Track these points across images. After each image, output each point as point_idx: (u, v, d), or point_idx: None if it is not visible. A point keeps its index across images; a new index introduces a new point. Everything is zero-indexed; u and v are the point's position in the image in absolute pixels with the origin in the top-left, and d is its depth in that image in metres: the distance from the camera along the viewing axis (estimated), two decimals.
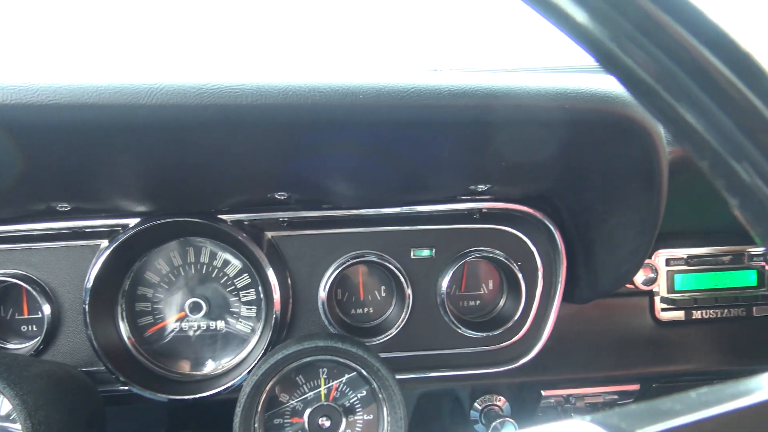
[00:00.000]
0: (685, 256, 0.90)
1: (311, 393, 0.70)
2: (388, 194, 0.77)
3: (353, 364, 0.69)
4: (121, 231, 0.75)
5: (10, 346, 0.81)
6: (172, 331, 0.83)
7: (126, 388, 0.77)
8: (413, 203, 0.80)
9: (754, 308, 0.91)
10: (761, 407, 0.23)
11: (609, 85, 0.59)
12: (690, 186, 0.77)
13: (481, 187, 0.74)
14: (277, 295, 0.77)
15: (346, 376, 0.70)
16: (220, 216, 0.77)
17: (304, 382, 0.70)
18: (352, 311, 0.86)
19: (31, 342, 0.79)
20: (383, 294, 0.86)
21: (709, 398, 0.24)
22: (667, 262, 0.90)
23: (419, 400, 0.93)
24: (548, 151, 0.62)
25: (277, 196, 0.73)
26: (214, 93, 0.51)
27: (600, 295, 0.83)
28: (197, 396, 0.78)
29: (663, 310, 0.91)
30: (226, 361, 0.83)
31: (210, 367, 0.83)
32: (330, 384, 0.70)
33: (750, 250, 0.91)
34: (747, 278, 0.92)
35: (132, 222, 0.75)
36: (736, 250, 0.91)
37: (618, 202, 0.69)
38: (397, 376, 0.82)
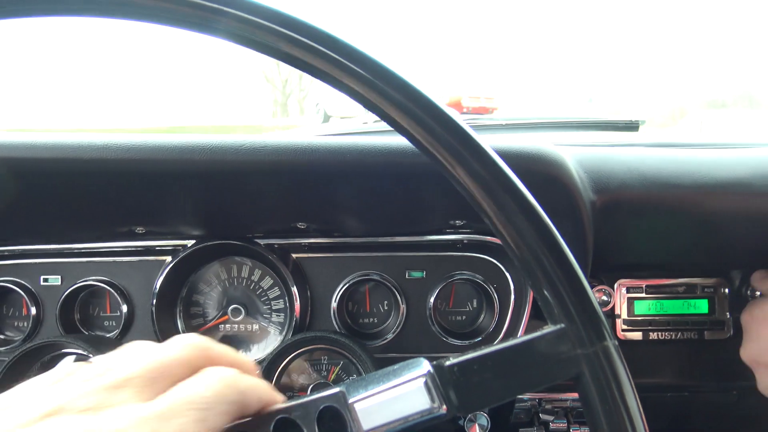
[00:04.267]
0: (643, 285, 1.07)
1: (314, 374, 0.90)
2: (385, 227, 0.98)
3: (344, 352, 0.89)
4: (181, 250, 0.99)
5: None
6: (218, 330, 1.05)
7: None
8: (408, 234, 1.00)
9: (705, 332, 1.06)
10: None
11: (537, 144, 0.79)
12: (644, 226, 0.94)
13: (459, 222, 0.94)
14: (297, 304, 0.98)
15: (341, 362, 0.90)
16: (256, 240, 0.99)
17: (309, 366, 0.91)
18: (360, 320, 1.06)
19: (110, 334, 1.03)
20: (386, 307, 1.06)
21: (488, 347, 0.44)
22: (628, 289, 1.07)
23: None
24: None
25: (298, 226, 0.95)
26: (247, 149, 0.74)
27: None
28: None
29: (623, 330, 1.07)
30: (259, 355, 1.05)
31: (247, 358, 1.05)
32: (329, 368, 0.91)
33: (702, 282, 1.06)
34: (699, 306, 1.07)
35: (189, 243, 0.99)
36: (690, 281, 1.07)
37: None
38: None
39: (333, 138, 0.80)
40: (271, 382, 0.90)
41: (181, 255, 0.98)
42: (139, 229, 0.94)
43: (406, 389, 0.43)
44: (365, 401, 0.43)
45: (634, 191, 0.87)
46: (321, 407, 0.45)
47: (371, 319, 1.06)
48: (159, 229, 0.97)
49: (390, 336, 1.01)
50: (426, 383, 0.42)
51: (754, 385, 1.02)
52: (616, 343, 0.42)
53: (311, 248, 1.02)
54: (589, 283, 1.02)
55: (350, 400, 0.43)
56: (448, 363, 0.44)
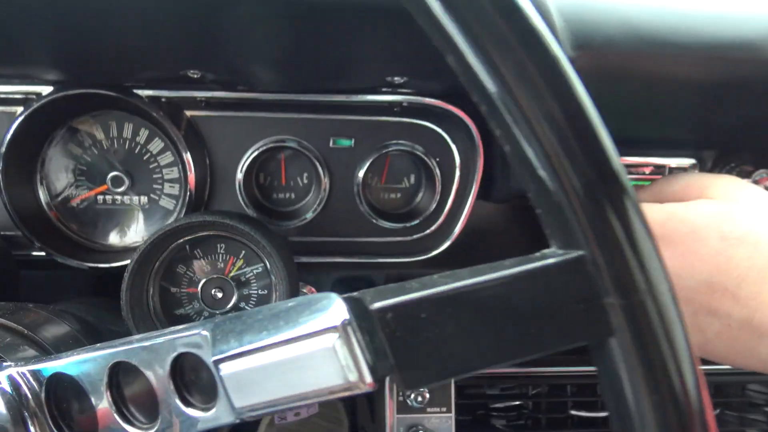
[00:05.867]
0: None
1: (208, 266, 0.73)
2: (306, 80, 0.77)
3: (246, 242, 0.71)
4: (36, 99, 0.75)
5: None
6: (95, 203, 0.84)
7: (43, 253, 0.80)
8: (335, 91, 0.80)
9: None
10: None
11: None
12: (624, 93, 0.77)
13: (398, 80, 0.74)
14: (192, 175, 0.78)
15: (243, 251, 0.73)
16: (135, 90, 0.76)
17: (201, 256, 0.73)
18: (274, 196, 0.87)
19: None
20: (305, 181, 0.87)
21: (446, 279, 0.26)
22: None
23: (334, 286, 0.97)
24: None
25: (190, 74, 0.72)
26: None
27: (513, 195, 0.85)
28: (116, 264, 0.81)
29: None
30: (147, 234, 0.85)
31: (132, 239, 0.86)
32: (227, 258, 0.73)
33: (670, 163, 0.92)
34: None
35: (46, 90, 0.75)
36: (658, 162, 0.92)
37: None
38: (309, 259, 0.86)
39: None
40: (150, 276, 0.72)
41: (36, 105, 0.74)
42: None
43: (305, 349, 0.25)
44: (236, 362, 0.25)
45: (623, 49, 0.69)
46: (176, 353, 0.27)
47: (287, 195, 0.87)
48: (1, 70, 0.73)
49: (309, 216, 0.84)
50: (341, 339, 0.25)
51: None
52: (671, 286, 0.25)
53: (210, 105, 0.80)
54: None
55: (214, 358, 0.26)
56: (375, 306, 0.26)
